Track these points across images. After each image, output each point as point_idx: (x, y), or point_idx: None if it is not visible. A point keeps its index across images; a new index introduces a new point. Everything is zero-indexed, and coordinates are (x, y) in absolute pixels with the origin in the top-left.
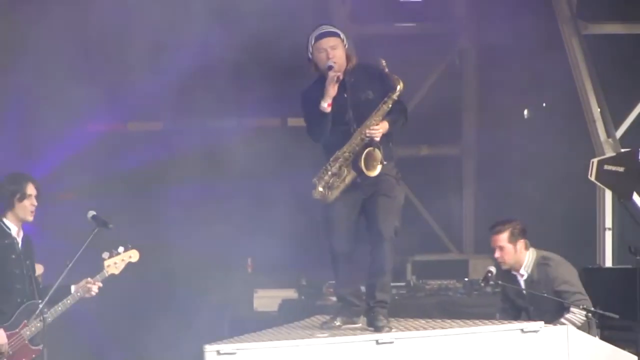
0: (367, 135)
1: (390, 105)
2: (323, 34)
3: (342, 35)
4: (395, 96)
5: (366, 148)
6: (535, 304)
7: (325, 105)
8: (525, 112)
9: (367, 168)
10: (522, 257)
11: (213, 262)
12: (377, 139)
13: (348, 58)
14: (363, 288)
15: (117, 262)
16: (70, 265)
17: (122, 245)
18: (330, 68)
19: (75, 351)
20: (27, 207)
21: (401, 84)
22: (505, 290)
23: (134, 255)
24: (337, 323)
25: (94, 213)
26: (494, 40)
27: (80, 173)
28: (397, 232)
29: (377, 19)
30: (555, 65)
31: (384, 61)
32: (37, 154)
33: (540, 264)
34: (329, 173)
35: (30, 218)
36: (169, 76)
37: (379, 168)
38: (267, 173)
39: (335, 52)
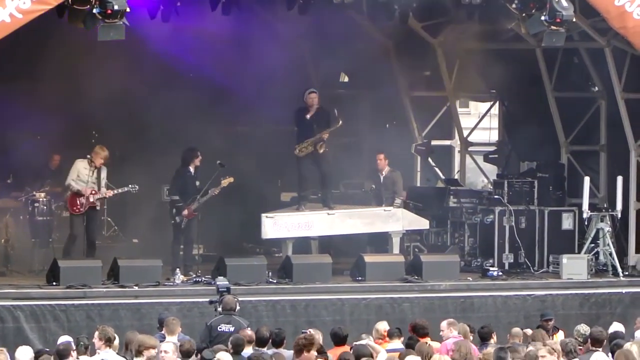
0: (322, 137)
1: (333, 129)
2: (311, 91)
3: (317, 92)
4: (338, 126)
5: (320, 141)
6: (385, 188)
7: (308, 117)
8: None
9: (319, 148)
10: (386, 167)
11: (264, 183)
12: (324, 139)
13: (318, 102)
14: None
15: (225, 181)
16: (209, 182)
17: (229, 175)
18: (310, 107)
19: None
20: (197, 162)
21: (341, 122)
22: (374, 182)
23: (233, 179)
24: (303, 208)
25: (220, 161)
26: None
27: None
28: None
29: (332, 86)
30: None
31: (335, 110)
32: None
33: (392, 171)
34: (302, 146)
35: (198, 164)
36: None
37: (324, 148)
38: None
39: (314, 100)
